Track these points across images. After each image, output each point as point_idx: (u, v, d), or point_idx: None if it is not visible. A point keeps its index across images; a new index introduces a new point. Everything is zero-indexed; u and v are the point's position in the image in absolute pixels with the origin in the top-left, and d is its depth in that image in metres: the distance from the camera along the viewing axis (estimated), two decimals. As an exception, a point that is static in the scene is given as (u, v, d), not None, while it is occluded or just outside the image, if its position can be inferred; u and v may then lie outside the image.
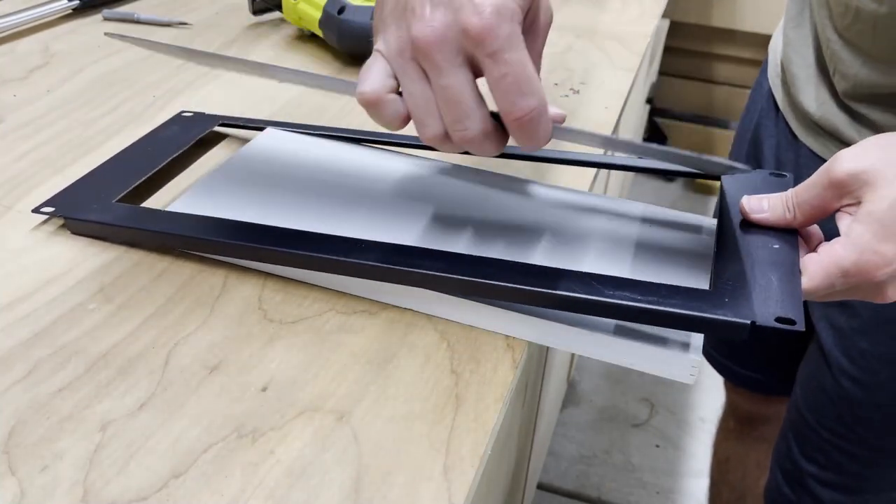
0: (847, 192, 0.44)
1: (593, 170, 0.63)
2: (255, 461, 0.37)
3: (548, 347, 0.61)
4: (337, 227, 0.51)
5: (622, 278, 0.43)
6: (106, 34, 0.61)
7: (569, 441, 1.63)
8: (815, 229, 0.48)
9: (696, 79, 2.40)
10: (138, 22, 0.86)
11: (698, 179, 2.39)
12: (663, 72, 2.36)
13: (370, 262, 0.45)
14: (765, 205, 0.47)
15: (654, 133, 2.47)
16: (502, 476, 0.78)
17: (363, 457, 0.38)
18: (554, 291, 0.42)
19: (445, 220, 0.53)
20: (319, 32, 0.80)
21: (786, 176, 0.52)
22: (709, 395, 1.71)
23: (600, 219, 0.55)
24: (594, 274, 0.43)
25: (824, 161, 0.76)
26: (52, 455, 0.37)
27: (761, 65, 0.92)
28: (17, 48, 0.78)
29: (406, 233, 0.52)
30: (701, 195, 2.43)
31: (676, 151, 0.50)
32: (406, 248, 0.46)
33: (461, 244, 0.51)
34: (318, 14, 0.79)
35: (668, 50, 2.23)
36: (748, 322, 0.39)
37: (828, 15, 0.70)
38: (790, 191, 0.47)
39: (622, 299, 0.41)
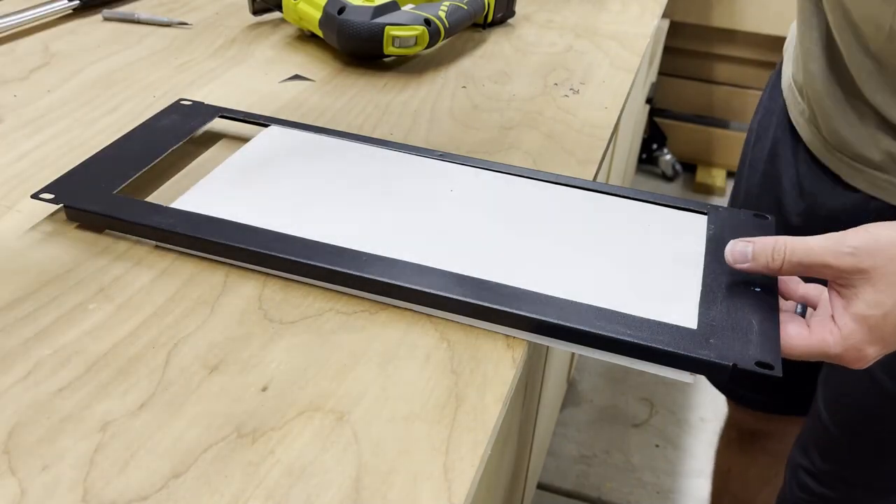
0: (844, 278, 0.46)
1: (594, 167, 0.63)
2: (255, 461, 0.37)
3: (548, 347, 0.61)
4: (340, 228, 0.51)
5: (616, 312, 0.45)
6: None
7: (569, 441, 1.63)
8: (791, 278, 0.50)
9: (695, 79, 2.40)
10: (138, 22, 0.86)
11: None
12: (663, 72, 2.36)
13: (372, 277, 0.46)
14: (748, 253, 0.48)
15: (654, 133, 2.47)
16: (502, 476, 0.78)
17: (363, 457, 0.38)
18: (550, 320, 0.44)
19: (448, 222, 0.53)
20: (319, 32, 0.80)
21: (768, 218, 0.55)
22: (709, 396, 1.71)
23: (598, 216, 0.55)
24: (592, 306, 0.46)
25: (855, 191, 0.68)
26: (52, 455, 0.37)
27: (767, 80, 0.86)
28: (17, 48, 0.78)
29: (408, 235, 0.52)
30: (701, 195, 2.42)
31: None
32: (404, 263, 0.47)
33: (463, 247, 0.51)
34: (318, 14, 0.79)
35: (668, 50, 2.22)
36: (730, 364, 0.42)
37: (854, 37, 0.65)
38: (785, 243, 0.47)
39: (615, 333, 0.44)
